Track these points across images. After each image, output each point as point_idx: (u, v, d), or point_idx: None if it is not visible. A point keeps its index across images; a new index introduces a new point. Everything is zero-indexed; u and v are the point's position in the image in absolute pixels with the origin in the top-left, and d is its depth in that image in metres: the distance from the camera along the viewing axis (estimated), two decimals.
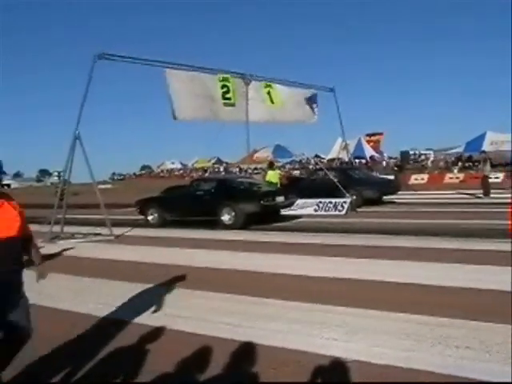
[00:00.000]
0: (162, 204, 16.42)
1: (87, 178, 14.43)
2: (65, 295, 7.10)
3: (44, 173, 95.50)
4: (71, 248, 11.72)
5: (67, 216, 14.20)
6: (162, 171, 77.07)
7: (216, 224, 14.56)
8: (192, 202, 15.31)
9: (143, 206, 16.96)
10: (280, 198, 15.64)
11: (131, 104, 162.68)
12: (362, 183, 19.50)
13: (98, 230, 14.34)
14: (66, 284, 7.81)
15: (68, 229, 14.10)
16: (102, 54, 13.26)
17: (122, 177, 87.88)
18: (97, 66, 13.05)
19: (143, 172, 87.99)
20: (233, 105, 16.95)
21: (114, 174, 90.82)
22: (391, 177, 25.71)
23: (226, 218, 14.71)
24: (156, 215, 16.28)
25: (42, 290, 6.71)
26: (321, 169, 21.91)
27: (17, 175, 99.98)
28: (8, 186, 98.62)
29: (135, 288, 7.02)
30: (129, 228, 14.48)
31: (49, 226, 13.59)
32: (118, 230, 13.80)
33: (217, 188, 15.44)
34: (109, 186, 53.46)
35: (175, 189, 17.92)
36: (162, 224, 15.83)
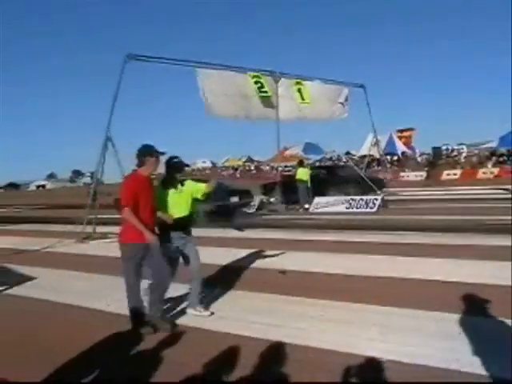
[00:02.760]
0: None
1: (120, 179, 14.70)
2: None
3: (77, 173, 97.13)
4: (104, 248, 11.98)
5: (100, 216, 14.46)
6: (194, 170, 77.62)
7: None
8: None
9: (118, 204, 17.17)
10: (234, 199, 17.10)
11: (162, 103, 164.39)
12: (343, 182, 19.92)
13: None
14: (112, 283, 7.98)
15: (100, 229, 14.39)
16: (133, 55, 13.48)
17: (153, 176, 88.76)
18: (127, 66, 13.30)
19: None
20: (269, 97, 17.07)
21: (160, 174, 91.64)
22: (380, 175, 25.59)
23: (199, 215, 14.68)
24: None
25: (77, 290, 6.94)
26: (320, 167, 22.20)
27: (51, 176, 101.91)
28: (43, 186, 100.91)
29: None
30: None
31: (81, 226, 13.93)
32: None
33: None
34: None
35: None
36: None
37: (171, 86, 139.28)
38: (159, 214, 5.44)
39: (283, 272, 7.23)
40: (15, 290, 7.77)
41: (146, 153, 5.29)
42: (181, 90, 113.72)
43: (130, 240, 5.20)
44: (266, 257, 9.15)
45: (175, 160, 5.72)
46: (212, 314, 5.77)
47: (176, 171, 5.70)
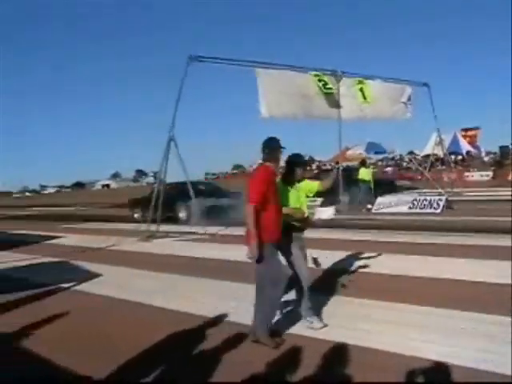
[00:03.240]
0: (144, 204, 17.81)
1: (182, 178, 14.98)
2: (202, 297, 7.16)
3: (140, 173, 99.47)
4: (167, 246, 12.25)
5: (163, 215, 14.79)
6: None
7: (175, 220, 18.04)
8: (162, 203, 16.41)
9: (132, 205, 21.52)
10: (224, 200, 17.97)
11: (222, 102, 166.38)
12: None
13: (193, 228, 14.77)
14: (175, 282, 8.14)
15: (164, 227, 14.69)
16: (195, 57, 13.67)
17: (215, 176, 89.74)
18: (190, 67, 13.50)
19: (235, 171, 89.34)
20: (334, 95, 16.95)
21: (207, 173, 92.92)
22: None
23: (182, 215, 18.30)
24: (140, 213, 19.20)
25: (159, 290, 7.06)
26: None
27: (115, 176, 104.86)
28: (107, 186, 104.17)
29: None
30: (222, 227, 14.82)
31: (145, 224, 14.29)
32: (212, 229, 14.18)
33: (177, 191, 17.54)
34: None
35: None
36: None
37: (232, 86, 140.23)
38: (288, 211, 5.15)
39: (343, 285, 6.93)
40: (82, 287, 8.00)
41: (276, 146, 5.06)
42: (241, 90, 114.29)
43: (269, 239, 4.76)
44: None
45: (298, 156, 5.50)
46: (325, 326, 5.22)
47: (298, 168, 5.39)
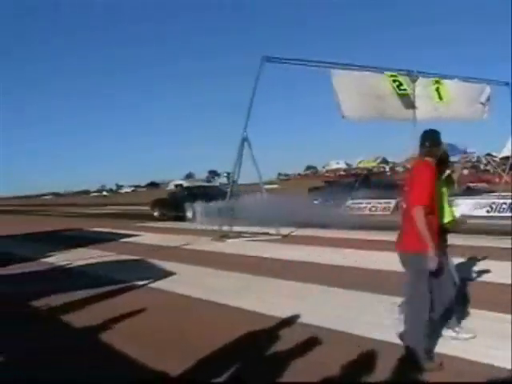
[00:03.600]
0: (162, 204, 24.98)
1: (255, 178, 15.07)
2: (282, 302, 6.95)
3: (213, 174, 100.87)
4: (240, 246, 12.37)
5: (236, 215, 14.96)
6: (328, 171, 77.31)
7: (184, 219, 21.36)
8: (175, 203, 23.24)
9: (153, 205, 25.80)
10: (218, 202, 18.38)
11: (297, 103, 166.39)
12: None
13: (266, 229, 14.81)
14: (248, 282, 8.22)
15: (237, 228, 14.84)
16: (269, 58, 13.71)
17: (287, 177, 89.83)
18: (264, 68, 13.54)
19: (308, 172, 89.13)
20: (408, 96, 16.58)
21: (279, 174, 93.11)
22: None
23: (189, 214, 21.44)
24: (158, 212, 24.63)
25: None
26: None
27: (189, 176, 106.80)
28: (181, 186, 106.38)
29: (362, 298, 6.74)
30: (294, 228, 14.79)
31: (219, 224, 14.54)
32: (284, 230, 14.19)
33: (185, 193, 23.74)
34: (275, 185, 54.75)
35: (173, 193, 27.53)
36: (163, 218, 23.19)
37: (305, 87, 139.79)
38: (451, 218, 4.72)
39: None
40: (158, 284, 8.18)
41: (438, 140, 4.42)
42: (314, 91, 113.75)
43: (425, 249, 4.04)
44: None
45: (445, 152, 4.88)
46: (474, 337, 4.75)
47: (446, 166, 4.89)
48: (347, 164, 75.85)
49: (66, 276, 9.61)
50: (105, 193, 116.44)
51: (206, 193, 22.58)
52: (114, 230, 18.34)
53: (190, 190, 25.36)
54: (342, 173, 59.21)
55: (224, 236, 13.98)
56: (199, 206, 20.45)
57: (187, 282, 8.42)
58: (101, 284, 8.24)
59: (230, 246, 12.56)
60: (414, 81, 16.88)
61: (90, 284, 8.25)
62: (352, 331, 5.18)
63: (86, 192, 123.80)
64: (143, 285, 8.19)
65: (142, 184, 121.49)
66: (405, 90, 16.42)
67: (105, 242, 14.58)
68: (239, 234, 14.39)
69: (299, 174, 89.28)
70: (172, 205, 23.92)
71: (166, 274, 9.05)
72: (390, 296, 5.98)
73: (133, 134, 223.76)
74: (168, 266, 9.79)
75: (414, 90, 16.79)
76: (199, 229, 16.64)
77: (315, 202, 22.32)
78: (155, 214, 24.84)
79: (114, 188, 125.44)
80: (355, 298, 6.60)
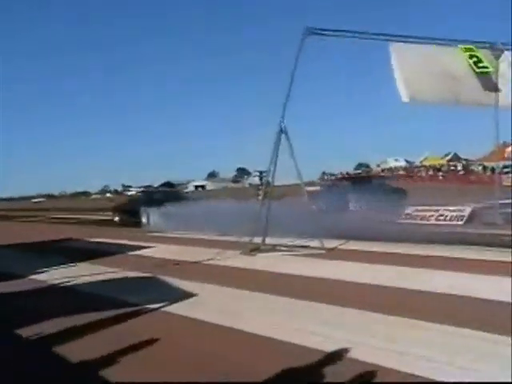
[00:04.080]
0: (122, 209, 30.14)
1: (293, 179, 14.96)
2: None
3: (242, 172, 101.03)
4: (276, 263, 12.29)
5: (271, 224, 14.87)
6: (383, 170, 76.46)
7: (139, 225, 25.60)
8: (133, 209, 27.65)
9: (113, 210, 31.58)
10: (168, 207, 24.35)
11: (346, 86, 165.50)
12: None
13: (306, 241, 14.74)
14: (290, 307, 8.15)
15: (270, 239, 14.78)
16: (312, 29, 13.58)
17: (333, 177, 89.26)
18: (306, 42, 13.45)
19: (359, 171, 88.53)
20: (489, 74, 16.24)
21: (324, 173, 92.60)
22: None
23: (144, 219, 26.08)
24: (118, 217, 29.46)
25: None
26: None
27: (212, 175, 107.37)
28: (202, 187, 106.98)
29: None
30: (342, 240, 14.66)
31: (248, 235, 14.49)
32: (330, 242, 14.09)
33: (143, 198, 29.33)
34: (317, 188, 54.22)
35: (132, 198, 35.04)
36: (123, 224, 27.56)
37: (358, 65, 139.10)
38: None
39: None
40: (175, 308, 8.17)
41: None
42: (370, 70, 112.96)
43: None
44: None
45: None
46: None
47: None
48: (408, 161, 75.08)
49: (61, 297, 9.69)
50: (108, 195, 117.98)
51: (165, 197, 27.90)
52: (121, 241, 18.50)
53: (148, 195, 31.62)
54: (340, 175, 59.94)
55: (255, 249, 13.94)
56: (154, 210, 25.47)
57: (209, 305, 8.40)
58: (104, 307, 8.26)
59: (263, 262, 12.49)
60: (497, 57, 16.55)
61: (90, 307, 8.30)
62: None
63: (86, 194, 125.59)
64: (156, 309, 8.19)
65: (155, 185, 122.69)
66: (485, 67, 16.10)
67: (109, 256, 14.72)
68: (274, 247, 14.32)
69: (348, 174, 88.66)
70: (130, 210, 28.45)
71: (184, 295, 9.03)
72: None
73: (144, 125, 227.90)
74: (186, 285, 9.80)
75: (497, 68, 16.47)
76: (225, 240, 16.64)
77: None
78: (115, 219, 30.01)
79: (120, 189, 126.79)
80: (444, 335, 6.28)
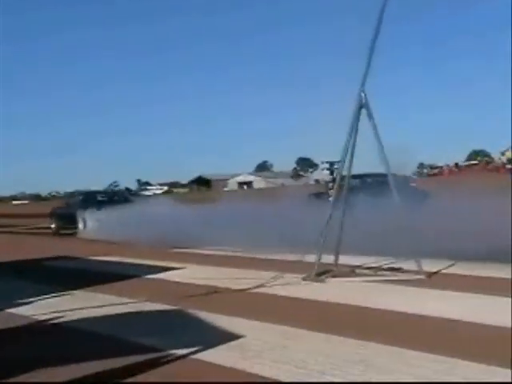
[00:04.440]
0: (60, 214, 35.54)
1: (376, 169, 14.75)
2: None
3: (304, 164, 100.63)
4: (354, 292, 12.18)
5: (346, 236, 14.70)
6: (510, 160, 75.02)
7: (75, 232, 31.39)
8: (70, 213, 33.17)
9: (50, 215, 36.90)
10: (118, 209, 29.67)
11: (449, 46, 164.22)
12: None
13: (396, 262, 14.64)
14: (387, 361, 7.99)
15: (345, 258, 14.63)
16: None
17: (435, 170, 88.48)
18: None
19: (473, 162, 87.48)
20: None
21: (422, 164, 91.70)
22: None
23: (81, 225, 31.32)
24: (55, 224, 35.22)
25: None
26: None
27: (262, 167, 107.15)
28: (248, 184, 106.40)
29: None
30: (450, 262, 14.41)
31: (315, 252, 14.28)
32: (429, 264, 13.84)
33: (81, 200, 35.31)
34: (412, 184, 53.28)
35: (68, 201, 39.94)
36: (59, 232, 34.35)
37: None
38: None
39: None
40: (212, 355, 8.07)
41: None
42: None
43: None
44: None
45: None
46: None
47: None
48: None
49: (50, 339, 9.70)
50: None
51: (108, 199, 35.18)
52: (139, 260, 18.64)
53: (88, 196, 37.27)
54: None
55: (324, 273, 13.83)
56: (93, 214, 30.92)
57: (266, 353, 8.25)
58: (116, 352, 8.27)
59: (337, 292, 12.36)
60: None
61: (97, 352, 8.30)
62: None
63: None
64: (184, 355, 8.14)
65: (183, 181, 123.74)
66: None
67: (120, 280, 14.90)
68: (351, 271, 14.17)
69: (456, 165, 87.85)
70: (68, 215, 33.76)
71: (225, 336, 8.99)
72: None
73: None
74: (228, 322, 9.78)
75: None
76: (281, 260, 16.55)
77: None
78: (52, 226, 35.67)
79: (135, 187, 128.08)
80: None
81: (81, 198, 37.41)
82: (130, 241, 24.22)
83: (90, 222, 30.54)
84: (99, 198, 35.41)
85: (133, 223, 26.52)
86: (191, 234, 22.65)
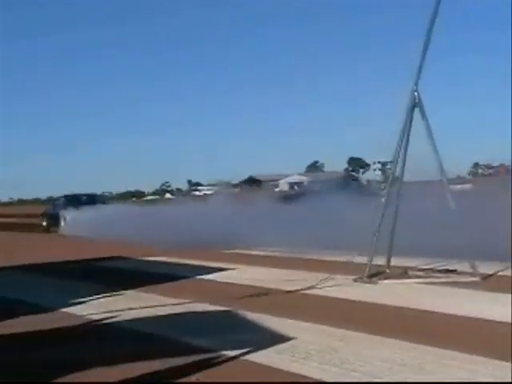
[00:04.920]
0: (49, 214, 45.58)
1: (431, 172, 14.65)
2: None
3: (355, 163, 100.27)
4: (407, 294, 12.15)
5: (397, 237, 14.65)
6: None
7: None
8: (54, 213, 43.54)
9: (41, 214, 47.59)
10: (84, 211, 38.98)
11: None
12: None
13: (450, 264, 14.53)
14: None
15: (398, 260, 14.62)
16: None
17: (491, 170, 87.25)
18: None
19: None
20: None
21: (476, 164, 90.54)
22: None
23: (62, 223, 40.05)
24: (46, 222, 44.83)
25: None
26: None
27: (313, 167, 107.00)
28: (298, 184, 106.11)
29: None
30: (505, 264, 14.28)
31: (365, 253, 14.29)
32: (485, 266, 13.75)
33: (63, 201, 45.76)
34: (467, 185, 52.66)
35: (54, 202, 51.79)
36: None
37: None
38: None
39: None
40: (262, 357, 8.06)
41: None
42: None
43: None
44: None
45: None
46: None
47: None
48: None
49: (106, 338, 9.80)
50: (169, 195, 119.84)
51: (88, 201, 43.65)
52: (188, 261, 18.76)
53: (71, 199, 46.05)
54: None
55: (376, 274, 13.82)
56: (70, 213, 39.78)
57: (315, 354, 8.22)
58: (166, 353, 8.30)
59: (390, 294, 12.38)
60: None
61: (148, 353, 8.36)
62: None
63: (138, 194, 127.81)
64: (235, 357, 8.13)
65: (234, 181, 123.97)
66: None
67: (170, 281, 15.03)
68: (404, 272, 14.11)
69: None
70: (54, 214, 43.15)
71: (276, 338, 8.97)
72: None
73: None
74: (279, 323, 9.80)
75: None
76: (331, 260, 16.52)
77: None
78: (44, 223, 45.40)
79: (186, 187, 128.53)
80: None
81: (64, 200, 46.96)
82: (108, 237, 28.91)
83: (68, 220, 39.38)
84: (80, 200, 44.57)
85: (107, 222, 32.58)
86: (240, 235, 22.87)
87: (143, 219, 32.30)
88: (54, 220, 42.69)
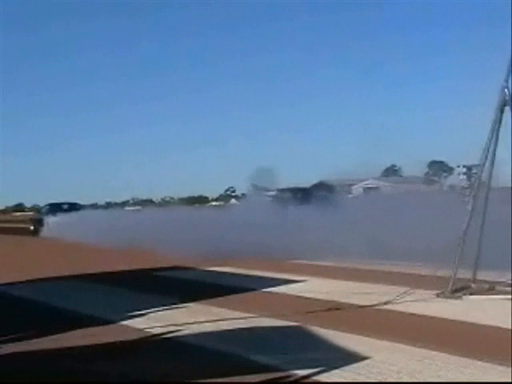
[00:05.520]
0: (35, 219, 60.24)
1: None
2: None
3: (438, 167, 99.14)
4: (495, 311, 11.93)
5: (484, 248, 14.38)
6: None
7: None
8: (40, 218, 57.57)
9: (29, 220, 64.84)
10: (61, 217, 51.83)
11: None
12: None
13: None
14: None
15: (485, 274, 14.37)
16: None
17: None
18: None
19: None
20: None
21: None
22: None
23: (45, 227, 52.39)
24: (33, 226, 56.85)
25: None
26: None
27: (390, 172, 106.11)
28: (374, 190, 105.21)
29: None
30: None
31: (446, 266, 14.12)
32: None
33: (47, 208, 60.86)
34: None
35: (41, 209, 67.74)
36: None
37: None
38: None
39: None
40: (335, 377, 7.97)
41: None
42: None
43: None
44: None
45: None
46: None
47: None
48: None
49: (165, 354, 9.80)
50: (234, 201, 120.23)
51: (69, 208, 53.92)
52: (255, 272, 18.74)
53: (54, 206, 56.39)
54: None
55: (461, 289, 13.61)
56: (52, 218, 49.39)
57: (391, 376, 8.12)
58: (232, 371, 8.28)
59: (474, 309, 12.20)
60: None
61: (211, 370, 8.37)
62: None
63: (201, 199, 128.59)
64: (306, 376, 8.06)
65: (281, 186, 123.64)
66: None
67: (236, 293, 15.06)
68: (492, 287, 13.88)
69: None
70: (40, 220, 53.59)
71: (350, 357, 8.90)
72: None
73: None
74: (352, 341, 9.72)
75: None
76: (409, 273, 16.37)
77: None
78: (31, 228, 54.99)
79: (250, 191, 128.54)
80: None
81: (48, 207, 58.49)
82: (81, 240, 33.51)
83: (50, 224, 48.72)
84: (62, 208, 55.22)
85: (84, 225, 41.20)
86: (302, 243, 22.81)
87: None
88: (39, 224, 52.99)
